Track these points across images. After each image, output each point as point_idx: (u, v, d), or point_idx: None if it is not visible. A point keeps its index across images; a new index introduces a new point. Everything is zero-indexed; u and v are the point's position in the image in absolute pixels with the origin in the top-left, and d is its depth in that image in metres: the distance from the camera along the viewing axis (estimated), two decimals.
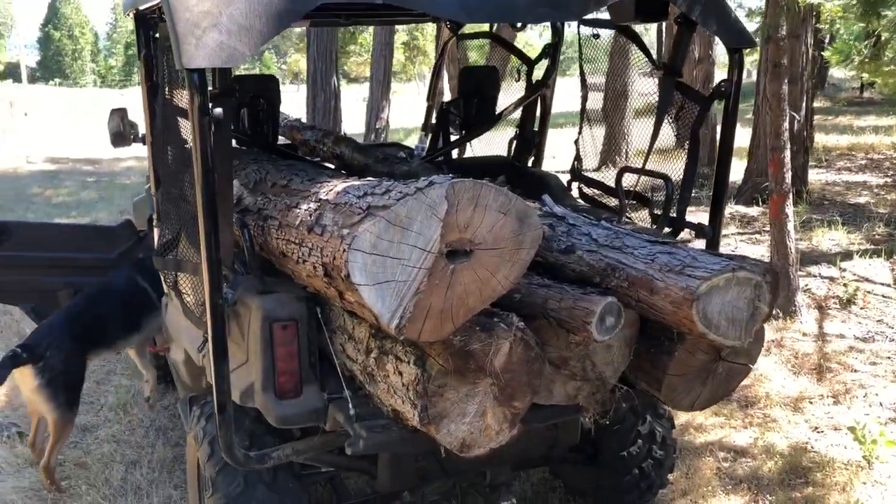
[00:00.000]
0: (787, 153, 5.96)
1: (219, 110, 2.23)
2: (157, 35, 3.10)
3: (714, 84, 2.98)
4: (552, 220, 2.43)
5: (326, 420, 2.59)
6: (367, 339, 2.35)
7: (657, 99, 3.10)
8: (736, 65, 2.88)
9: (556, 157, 7.27)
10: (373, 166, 3.53)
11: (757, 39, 5.61)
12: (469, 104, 4.10)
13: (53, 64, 77.09)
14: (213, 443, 2.81)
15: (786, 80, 5.95)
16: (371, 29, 16.09)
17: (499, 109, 4.18)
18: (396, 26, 13.66)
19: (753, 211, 9.15)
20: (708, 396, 2.48)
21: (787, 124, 5.97)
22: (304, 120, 11.66)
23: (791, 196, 6.14)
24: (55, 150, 18.21)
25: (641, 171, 3.25)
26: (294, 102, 14.09)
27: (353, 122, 15.51)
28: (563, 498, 3.82)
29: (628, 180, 3.37)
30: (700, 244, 2.91)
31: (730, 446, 4.26)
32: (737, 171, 10.65)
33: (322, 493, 3.35)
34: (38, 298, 4.30)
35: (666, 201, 3.13)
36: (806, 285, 6.70)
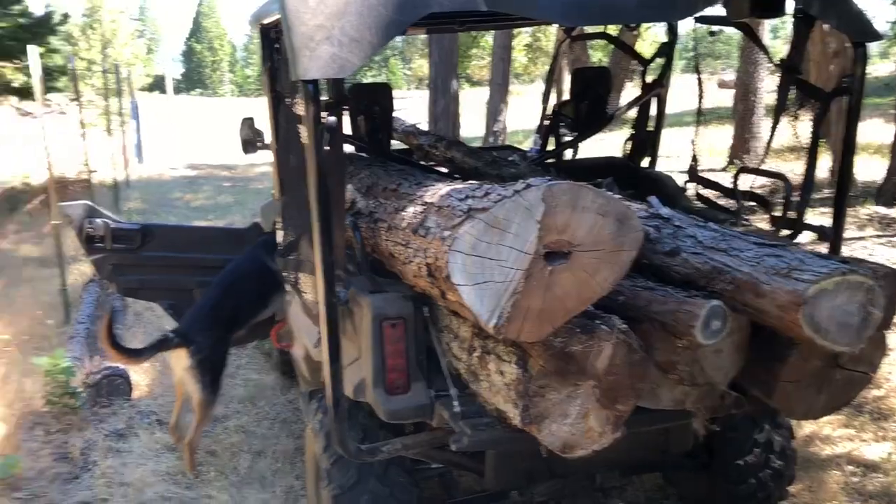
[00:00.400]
0: None
1: (332, 118, 2.35)
2: (279, 47, 3.28)
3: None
4: (658, 222, 2.40)
5: (433, 417, 2.66)
6: (471, 339, 2.40)
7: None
8: (860, 59, 2.75)
9: (677, 156, 7.10)
10: (482, 169, 3.59)
11: None
12: (580, 105, 4.09)
13: (195, 75, 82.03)
14: (329, 435, 2.94)
15: None
16: (492, 32, 16.18)
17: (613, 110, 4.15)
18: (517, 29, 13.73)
19: (894, 212, 8.57)
20: (824, 405, 2.38)
21: None
22: (425, 124, 11.92)
23: None
24: (195, 157, 19.38)
25: (758, 172, 3.15)
26: (418, 107, 14.38)
27: (474, 125, 15.69)
28: None
29: (750, 182, 3.27)
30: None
31: (859, 460, 4.04)
32: (878, 170, 10.03)
33: (433, 489, 3.43)
34: (176, 296, 4.62)
35: (784, 202, 3.02)
36: None
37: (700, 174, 3.66)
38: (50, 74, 11.35)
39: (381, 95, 3.63)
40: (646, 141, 4.08)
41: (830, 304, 1.88)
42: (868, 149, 12.06)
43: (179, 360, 3.95)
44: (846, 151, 2.84)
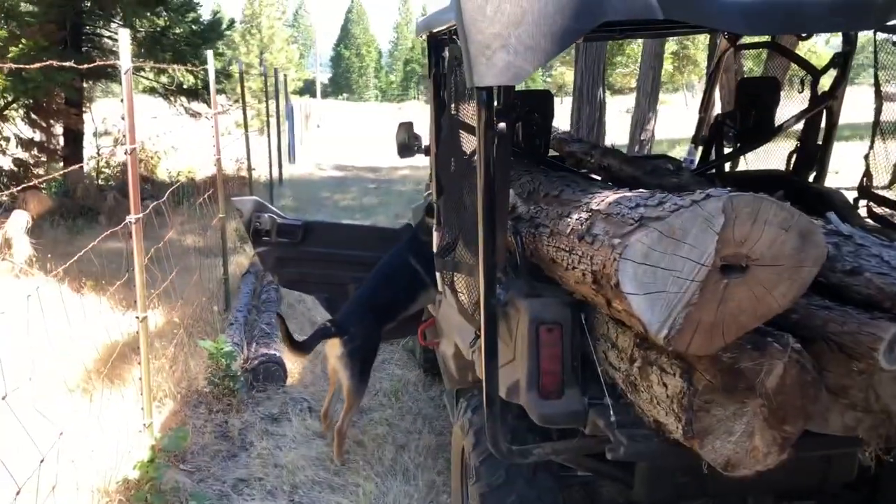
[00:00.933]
0: None
1: (502, 125, 2.40)
2: (445, 55, 3.38)
3: None
4: (837, 240, 2.30)
5: (586, 424, 2.67)
6: (632, 349, 2.39)
7: None
8: None
9: (839, 172, 6.71)
10: (641, 178, 3.55)
11: None
12: (746, 116, 3.96)
13: (342, 80, 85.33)
14: (479, 433, 3.00)
15: None
16: (640, 40, 15.89)
17: (778, 122, 4.00)
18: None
19: None
20: None
21: None
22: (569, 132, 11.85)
23: None
24: (342, 159, 20.15)
25: None
26: (558, 115, 14.36)
27: (616, 133, 15.44)
28: None
29: None
30: None
31: None
32: None
33: (577, 497, 3.43)
34: (332, 290, 4.85)
35: None
36: None
37: (874, 191, 3.47)
38: (216, 78, 12.12)
39: (541, 102, 3.67)
40: (813, 155, 3.90)
41: None
42: None
43: (333, 349, 4.16)
44: None
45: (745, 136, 4.02)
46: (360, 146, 23.79)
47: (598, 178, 3.98)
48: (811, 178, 4.01)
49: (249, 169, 10.90)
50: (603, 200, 2.36)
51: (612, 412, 2.51)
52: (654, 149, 13.90)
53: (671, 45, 30.96)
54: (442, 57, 3.50)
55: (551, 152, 4.80)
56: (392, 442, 4.51)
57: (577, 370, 2.70)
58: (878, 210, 3.43)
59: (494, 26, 2.32)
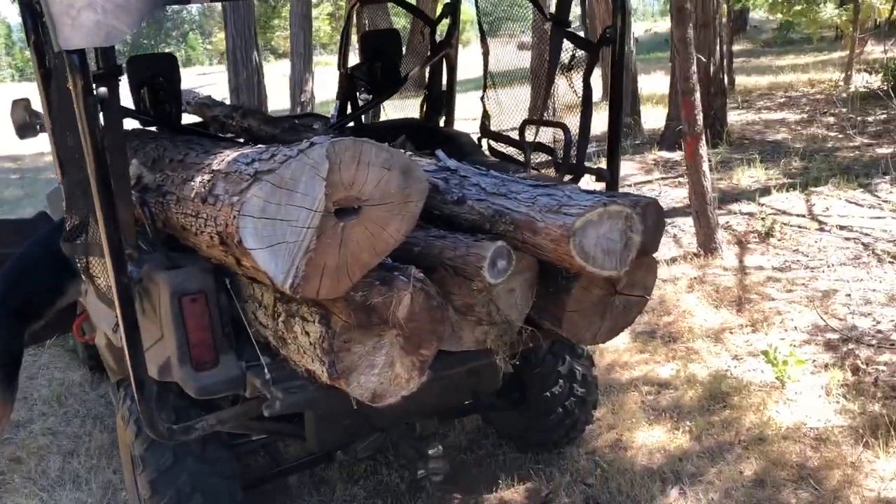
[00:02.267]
0: (697, 96, 6.14)
1: (103, 90, 2.23)
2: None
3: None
4: (446, 174, 2.51)
5: (246, 388, 2.65)
6: (275, 304, 2.40)
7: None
8: (619, 10, 2.98)
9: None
10: (280, 136, 3.56)
11: None
12: (374, 69, 4.14)
13: None
14: (139, 421, 2.84)
15: (690, 25, 6.09)
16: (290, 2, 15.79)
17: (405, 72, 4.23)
18: None
19: (676, 156, 9.38)
20: (608, 328, 2.61)
21: (695, 67, 6.13)
22: (227, 98, 11.49)
23: (705, 137, 6.33)
24: None
25: (541, 123, 3.34)
26: (222, 82, 13.82)
27: (281, 98, 15.33)
28: (495, 443, 3.96)
29: (547, 135, 3.48)
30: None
31: (654, 380, 4.46)
32: (659, 118, 10.90)
33: (260, 462, 3.42)
34: None
35: (565, 149, 3.24)
36: (727, 222, 6.95)
37: (491, 130, 3.83)
38: None
39: (164, 66, 3.48)
40: (440, 101, 4.20)
41: (596, 233, 2.06)
42: (652, 99, 13.09)
43: None
44: (613, 97, 3.08)
45: (376, 88, 4.19)
46: None
47: (241, 140, 3.91)
48: (441, 123, 4.32)
49: None
50: (223, 160, 2.31)
51: (266, 370, 2.52)
52: (317, 109, 14.04)
53: (326, 6, 31.28)
54: (41, 22, 3.16)
55: (195, 118, 4.62)
56: (57, 451, 4.12)
57: (229, 336, 2.66)
58: (496, 146, 3.80)
59: None
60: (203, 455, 2.89)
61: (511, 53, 4.13)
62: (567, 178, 3.31)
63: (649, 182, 8.69)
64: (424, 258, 2.37)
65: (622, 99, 3.12)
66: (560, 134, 3.33)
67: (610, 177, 3.17)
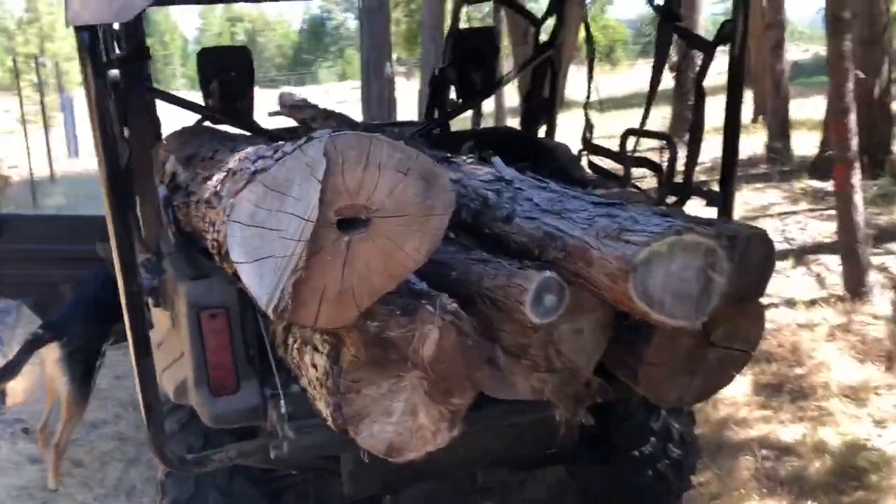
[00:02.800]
0: (853, 118, 5.35)
1: (114, 72, 1.99)
2: None
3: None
4: (499, 186, 2.09)
5: (267, 419, 2.33)
6: (289, 327, 2.07)
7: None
8: (740, 3, 2.46)
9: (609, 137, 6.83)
10: None
11: None
12: (465, 71, 3.75)
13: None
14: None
15: (848, 36, 5.33)
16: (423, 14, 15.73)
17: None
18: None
19: (829, 185, 8.40)
20: (698, 389, 2.09)
21: (851, 85, 5.35)
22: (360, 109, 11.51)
23: (861, 166, 5.53)
24: None
25: (642, 133, 2.85)
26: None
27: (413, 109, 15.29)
28: (576, 501, 3.46)
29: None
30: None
31: (774, 444, 3.80)
32: (813, 144, 9.90)
33: (297, 499, 3.09)
34: (41, 292, 4.22)
35: (669, 165, 2.74)
36: (882, 263, 6.06)
37: (593, 142, 3.37)
38: None
39: (236, 60, 3.26)
40: (540, 109, 3.77)
41: (664, 270, 1.56)
42: (807, 124, 11.98)
43: (50, 354, 3.61)
44: (730, 107, 2.55)
45: (467, 92, 3.81)
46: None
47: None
48: (542, 133, 3.88)
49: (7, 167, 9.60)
50: (239, 157, 2.00)
51: (282, 403, 2.18)
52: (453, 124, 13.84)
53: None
54: None
55: (288, 121, 4.42)
56: (121, 457, 3.99)
57: (253, 359, 2.35)
58: (596, 160, 3.33)
59: None
60: (228, 489, 2.60)
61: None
62: (670, 199, 2.80)
63: (794, 213, 7.82)
64: (462, 285, 1.96)
65: (740, 108, 2.58)
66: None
67: (722, 202, 2.64)
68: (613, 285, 1.59)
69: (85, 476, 3.82)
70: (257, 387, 2.33)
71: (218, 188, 1.93)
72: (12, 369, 3.63)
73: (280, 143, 1.80)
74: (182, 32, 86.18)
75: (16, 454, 4.03)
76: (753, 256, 1.81)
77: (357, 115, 13.06)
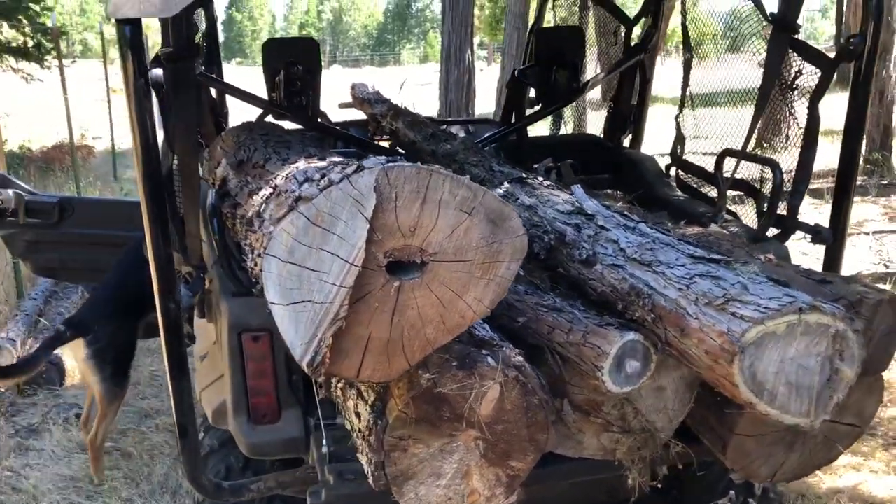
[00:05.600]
0: None
1: (157, 72, 1.81)
2: None
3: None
4: (579, 220, 1.82)
5: (308, 453, 2.14)
6: None
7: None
8: (872, 14, 2.13)
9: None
10: (420, 144, 3.02)
11: None
12: (547, 72, 3.47)
13: (235, 44, 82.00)
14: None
15: None
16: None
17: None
18: None
19: None
20: (796, 466, 1.80)
21: None
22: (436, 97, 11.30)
23: None
24: None
25: (745, 156, 2.54)
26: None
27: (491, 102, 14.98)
28: None
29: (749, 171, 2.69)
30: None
31: (864, 496, 3.43)
32: None
33: None
34: (101, 277, 4.13)
35: (773, 193, 2.43)
36: None
37: (683, 158, 3.06)
38: (46, 35, 10.96)
39: (302, 52, 3.07)
40: (627, 116, 3.46)
41: (779, 355, 1.28)
42: None
43: (77, 351, 3.49)
44: (850, 131, 2.22)
45: (548, 95, 3.52)
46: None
47: (383, 144, 3.44)
48: (626, 143, 3.58)
49: (71, 139, 9.60)
50: (288, 172, 1.79)
51: (324, 441, 1.99)
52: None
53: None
54: None
55: (357, 114, 4.23)
56: (169, 452, 3.88)
57: (297, 386, 2.17)
58: (685, 177, 3.03)
59: None
60: None
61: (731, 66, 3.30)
62: (771, 232, 2.49)
63: (892, 232, 7.27)
64: (530, 334, 1.71)
65: (861, 133, 2.25)
66: (769, 173, 2.51)
67: (832, 238, 2.32)
68: (714, 364, 1.32)
69: (132, 470, 3.73)
70: (300, 416, 2.16)
71: (261, 209, 1.73)
72: (29, 365, 3.52)
73: (330, 163, 1.59)
74: (271, 9, 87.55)
75: (67, 441, 3.98)
76: (881, 325, 1.51)
77: (435, 100, 12.86)
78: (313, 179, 1.52)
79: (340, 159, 1.72)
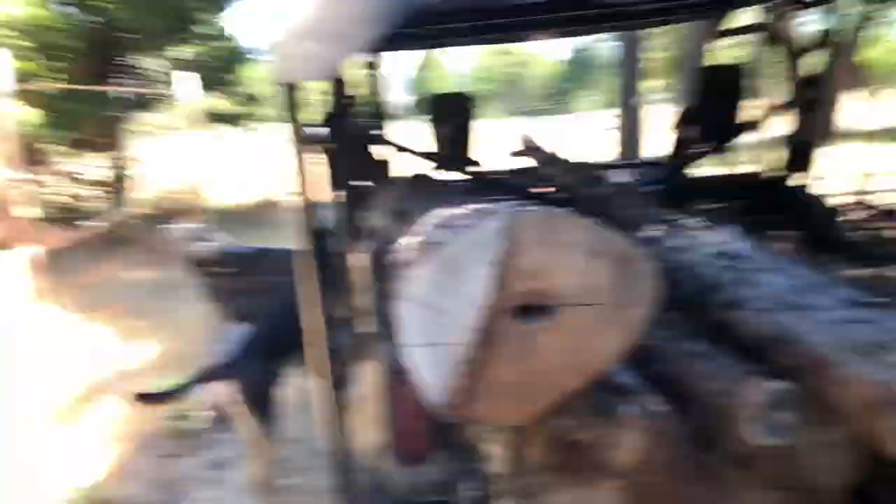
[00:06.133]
0: None
1: (309, 129, 1.96)
2: None
3: None
4: (727, 262, 1.73)
5: (457, 497, 2.16)
6: None
7: None
8: None
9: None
10: (576, 189, 3.00)
11: None
12: (707, 110, 3.34)
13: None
14: None
15: None
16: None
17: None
18: None
19: None
20: None
21: None
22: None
23: None
24: None
25: None
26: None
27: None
28: None
29: None
30: None
31: None
32: None
33: None
34: None
35: None
36: None
37: (864, 201, 2.83)
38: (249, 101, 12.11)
39: (456, 108, 3.19)
40: (797, 153, 3.25)
41: None
42: None
43: (224, 390, 3.62)
44: None
45: (711, 133, 3.39)
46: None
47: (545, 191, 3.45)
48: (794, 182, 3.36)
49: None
50: (428, 221, 1.86)
51: (470, 484, 2.00)
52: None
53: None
54: None
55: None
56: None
57: (444, 429, 2.20)
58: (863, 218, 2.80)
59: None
60: None
61: None
62: None
63: None
64: (673, 381, 1.64)
65: None
66: None
67: None
68: (863, 418, 1.21)
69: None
70: (447, 460, 2.18)
71: (401, 254, 1.81)
72: (171, 396, 3.63)
73: (464, 211, 1.64)
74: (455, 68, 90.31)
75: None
76: None
77: (612, 145, 12.74)
78: (448, 227, 1.57)
79: (475, 207, 1.77)
